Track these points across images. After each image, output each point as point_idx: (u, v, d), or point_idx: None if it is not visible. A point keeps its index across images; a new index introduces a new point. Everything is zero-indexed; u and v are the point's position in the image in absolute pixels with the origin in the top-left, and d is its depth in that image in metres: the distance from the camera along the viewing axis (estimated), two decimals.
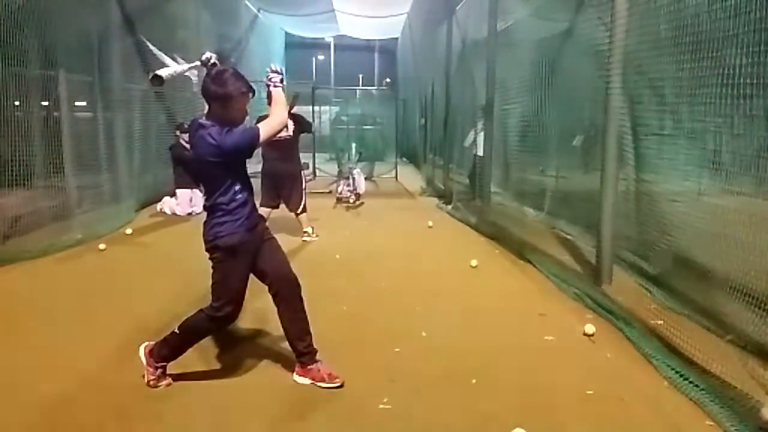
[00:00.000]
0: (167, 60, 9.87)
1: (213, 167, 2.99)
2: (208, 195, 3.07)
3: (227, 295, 3.08)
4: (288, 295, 3.21)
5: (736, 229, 3.70)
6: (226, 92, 2.96)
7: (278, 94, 3.18)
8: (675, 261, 4.50)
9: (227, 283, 3.08)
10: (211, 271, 3.11)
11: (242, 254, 3.06)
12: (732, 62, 3.43)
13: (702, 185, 4.44)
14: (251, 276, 3.21)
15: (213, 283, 3.09)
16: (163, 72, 3.35)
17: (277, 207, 6.94)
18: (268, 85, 3.21)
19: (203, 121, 3.01)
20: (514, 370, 3.52)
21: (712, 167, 4.07)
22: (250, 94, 3.08)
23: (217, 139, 2.91)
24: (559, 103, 6.80)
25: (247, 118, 3.23)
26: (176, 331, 3.15)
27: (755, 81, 3.27)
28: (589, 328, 4.05)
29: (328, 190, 11.54)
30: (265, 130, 3.02)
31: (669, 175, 4.68)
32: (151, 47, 9.38)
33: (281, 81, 3.20)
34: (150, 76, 3.42)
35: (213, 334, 3.33)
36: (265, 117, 6.76)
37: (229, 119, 3.00)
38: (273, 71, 3.22)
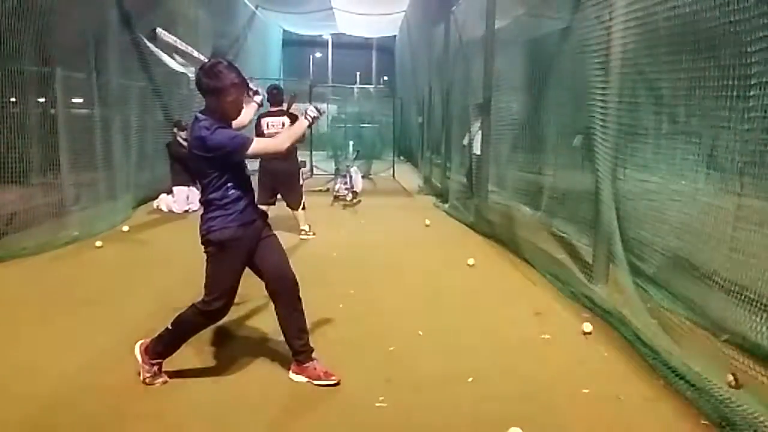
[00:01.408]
0: (164, 57, 9.89)
1: (202, 162, 2.97)
2: (203, 190, 3.08)
3: (217, 290, 3.07)
4: (285, 293, 3.21)
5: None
6: (217, 85, 2.94)
7: (301, 126, 3.16)
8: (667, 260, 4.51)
9: (218, 277, 3.07)
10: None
11: (233, 249, 3.05)
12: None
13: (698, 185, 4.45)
14: (250, 273, 3.21)
15: (205, 277, 3.09)
16: (161, 32, 3.30)
17: (273, 204, 6.94)
18: (303, 114, 3.19)
19: (199, 114, 3.02)
20: (511, 368, 3.52)
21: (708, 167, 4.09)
22: (245, 87, 3.05)
23: (203, 134, 2.90)
24: (556, 102, 6.79)
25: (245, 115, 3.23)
26: (169, 327, 3.15)
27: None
28: (587, 327, 4.06)
29: (325, 188, 11.55)
30: (258, 146, 3.00)
31: (665, 174, 4.69)
32: (149, 44, 9.36)
33: (313, 119, 3.16)
34: (151, 28, 3.35)
35: (205, 329, 3.27)
36: (266, 115, 6.84)
37: (223, 112, 2.99)
38: (315, 107, 3.17)
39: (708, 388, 2.99)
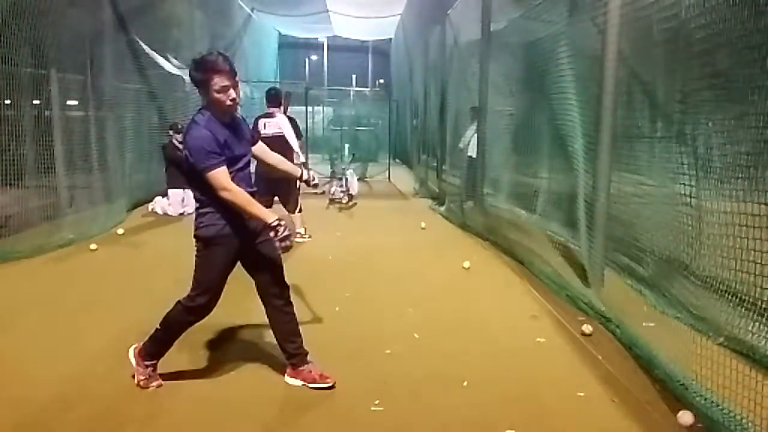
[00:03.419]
0: (160, 60, 9.87)
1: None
2: (194, 188, 3.06)
3: (201, 286, 3.06)
4: (275, 296, 3.19)
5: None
6: (203, 75, 2.89)
7: (258, 213, 2.95)
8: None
9: (202, 273, 3.06)
10: None
11: (219, 247, 3.02)
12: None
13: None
14: (247, 275, 3.21)
15: (193, 273, 3.09)
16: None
17: (270, 207, 6.93)
18: (275, 221, 2.96)
19: (199, 110, 3.02)
20: (506, 372, 3.52)
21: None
22: (234, 77, 2.94)
23: (190, 129, 2.91)
24: (551, 105, 6.80)
25: (241, 114, 3.18)
26: (158, 327, 3.15)
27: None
28: (587, 328, 4.07)
29: (321, 191, 11.53)
30: (213, 178, 2.85)
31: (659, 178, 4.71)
32: (144, 47, 9.35)
33: (273, 228, 2.94)
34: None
35: (192, 326, 3.19)
36: (264, 116, 6.90)
37: (214, 101, 2.92)
38: (287, 234, 2.97)
39: (703, 390, 3.00)
